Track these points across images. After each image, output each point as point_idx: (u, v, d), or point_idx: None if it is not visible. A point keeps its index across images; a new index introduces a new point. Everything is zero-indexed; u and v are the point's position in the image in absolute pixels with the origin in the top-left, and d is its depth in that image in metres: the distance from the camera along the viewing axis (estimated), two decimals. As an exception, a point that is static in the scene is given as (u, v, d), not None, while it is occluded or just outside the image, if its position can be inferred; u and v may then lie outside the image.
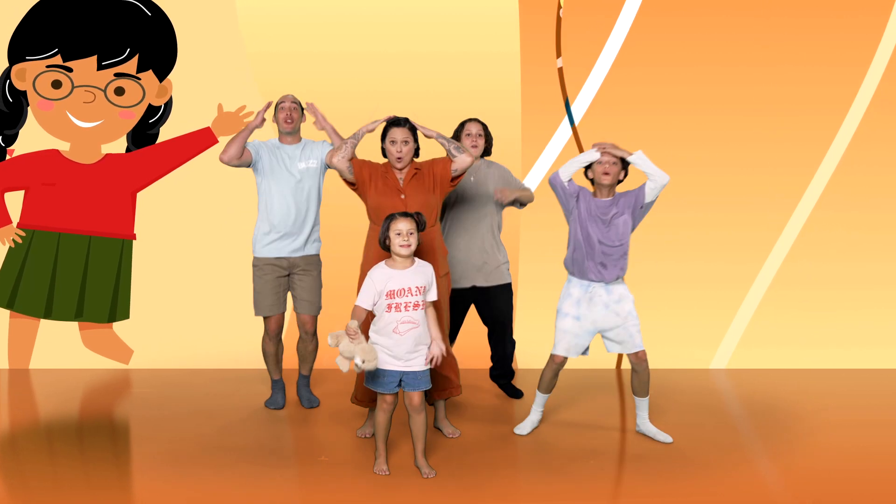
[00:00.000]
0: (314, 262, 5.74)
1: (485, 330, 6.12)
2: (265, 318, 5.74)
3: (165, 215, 6.98)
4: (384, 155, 5.11)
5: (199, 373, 6.79)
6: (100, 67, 6.88)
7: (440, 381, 5.14)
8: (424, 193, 5.02)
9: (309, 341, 5.80)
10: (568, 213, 5.15)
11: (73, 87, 6.89)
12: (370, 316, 4.60)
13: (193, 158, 6.96)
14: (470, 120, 5.79)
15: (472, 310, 6.06)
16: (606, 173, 5.03)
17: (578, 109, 7.02)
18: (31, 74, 6.88)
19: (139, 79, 6.92)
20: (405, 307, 4.49)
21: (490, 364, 6.26)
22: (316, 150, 5.68)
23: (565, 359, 5.21)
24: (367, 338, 4.55)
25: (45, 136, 6.93)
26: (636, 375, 5.18)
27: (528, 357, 6.90)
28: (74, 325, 7.00)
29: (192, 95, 6.94)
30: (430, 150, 5.43)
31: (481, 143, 5.74)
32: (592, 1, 6.97)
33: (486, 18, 6.96)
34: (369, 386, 4.61)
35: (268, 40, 6.91)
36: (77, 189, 6.91)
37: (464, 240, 5.77)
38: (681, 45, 6.97)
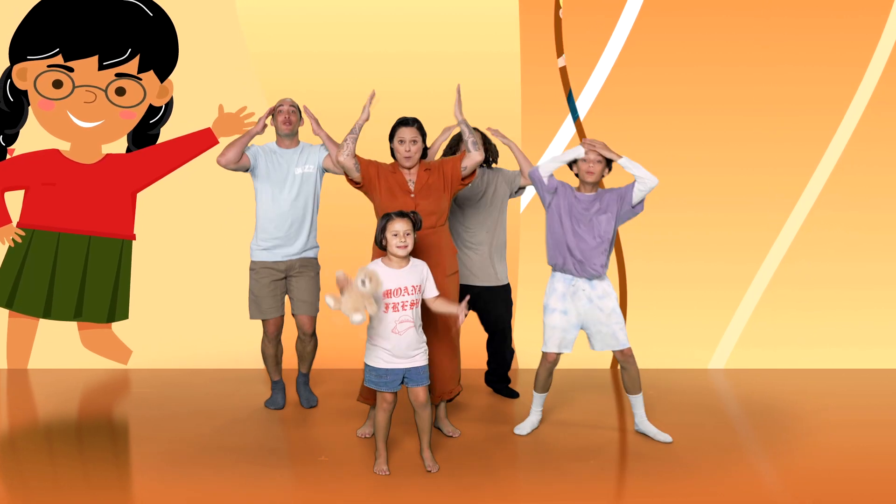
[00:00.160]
0: (311, 264, 5.74)
1: (483, 327, 6.13)
2: (264, 321, 5.73)
3: (165, 216, 6.98)
4: (393, 155, 5.11)
5: (198, 373, 6.80)
6: (101, 67, 6.88)
7: (441, 384, 5.15)
8: (435, 193, 5.03)
9: (308, 342, 5.80)
10: (546, 207, 5.18)
11: (74, 87, 6.89)
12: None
13: (194, 159, 6.97)
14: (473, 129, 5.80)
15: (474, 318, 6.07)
16: (590, 171, 5.06)
17: (579, 109, 7.02)
18: (33, 74, 6.88)
19: (140, 79, 6.92)
20: (402, 306, 4.51)
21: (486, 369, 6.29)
22: (314, 154, 5.67)
23: (558, 356, 5.22)
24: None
25: (46, 136, 6.93)
26: (625, 373, 5.20)
27: (529, 357, 6.92)
28: (73, 325, 7.00)
29: (193, 96, 6.94)
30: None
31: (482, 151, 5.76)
32: (593, 1, 6.98)
33: (486, 18, 6.96)
34: (370, 385, 4.62)
35: (269, 40, 6.92)
36: (77, 189, 6.91)
37: (470, 240, 5.79)
38: (680, 46, 6.97)
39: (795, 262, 7.03)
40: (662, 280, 6.99)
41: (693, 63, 6.97)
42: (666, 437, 5.19)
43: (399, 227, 4.49)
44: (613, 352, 5.18)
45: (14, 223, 6.92)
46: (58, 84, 6.89)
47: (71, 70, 6.88)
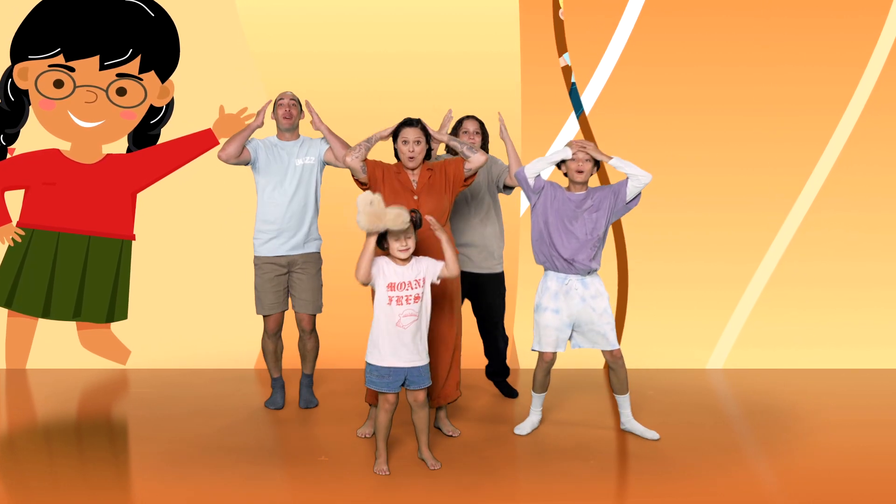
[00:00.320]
0: (313, 260, 5.74)
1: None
2: (264, 317, 5.74)
3: (165, 216, 6.98)
4: (396, 156, 5.12)
5: (198, 373, 6.80)
6: (102, 67, 6.88)
7: (441, 389, 5.16)
8: (437, 194, 5.04)
9: (308, 339, 5.81)
10: (532, 207, 5.19)
11: (75, 87, 6.90)
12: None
13: (194, 160, 6.97)
14: (467, 117, 5.82)
15: (467, 305, 6.05)
16: (580, 171, 5.08)
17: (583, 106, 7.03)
18: (34, 74, 6.89)
19: (141, 79, 6.93)
20: (406, 300, 4.54)
21: (486, 361, 6.29)
22: (314, 147, 5.68)
23: (555, 355, 5.23)
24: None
25: (47, 136, 6.94)
26: (614, 373, 5.22)
27: (529, 357, 6.93)
28: (72, 324, 7.00)
29: (194, 96, 6.95)
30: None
31: (478, 139, 5.78)
32: (594, 1, 6.99)
33: (486, 18, 6.97)
34: (371, 387, 4.63)
35: (270, 40, 6.92)
36: (77, 189, 6.92)
37: (462, 226, 5.79)
38: (680, 46, 6.98)
39: (793, 261, 7.04)
40: (661, 280, 7.00)
41: (692, 63, 6.98)
42: (653, 435, 5.20)
43: (401, 230, 4.52)
44: (602, 352, 5.19)
45: (14, 222, 6.93)
46: (59, 84, 6.89)
47: (72, 70, 6.88)
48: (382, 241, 4.54)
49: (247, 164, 5.61)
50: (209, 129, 6.94)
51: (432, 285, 4.64)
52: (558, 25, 6.99)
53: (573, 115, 7.00)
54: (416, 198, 5.02)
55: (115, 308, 7.01)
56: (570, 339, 5.26)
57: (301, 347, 5.85)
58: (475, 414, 5.75)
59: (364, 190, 5.14)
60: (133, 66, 6.91)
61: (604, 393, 6.32)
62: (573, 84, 6.98)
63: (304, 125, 5.82)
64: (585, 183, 5.15)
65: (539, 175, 5.16)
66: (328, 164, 5.69)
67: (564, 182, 5.25)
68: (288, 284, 5.75)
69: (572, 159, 5.09)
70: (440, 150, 5.95)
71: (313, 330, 5.80)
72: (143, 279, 7.02)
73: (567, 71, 7.00)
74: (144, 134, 6.98)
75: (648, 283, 7.02)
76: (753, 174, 7.00)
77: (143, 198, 7.00)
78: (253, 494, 4.43)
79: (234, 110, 6.89)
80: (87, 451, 5.17)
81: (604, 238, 5.15)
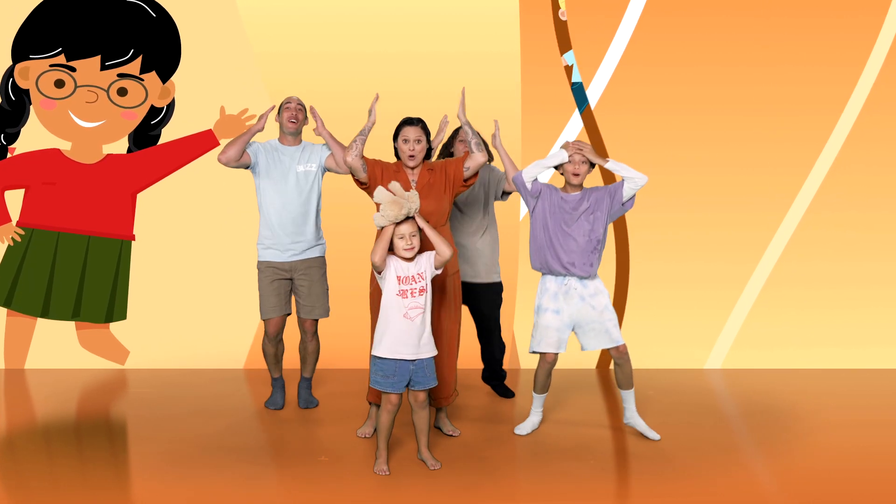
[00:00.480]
0: (316, 266, 5.71)
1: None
2: (265, 321, 5.73)
3: (164, 216, 6.98)
4: (396, 155, 5.12)
5: (198, 373, 6.80)
6: (103, 67, 6.88)
7: (439, 389, 5.17)
8: (437, 194, 5.04)
9: (309, 342, 5.80)
10: (530, 211, 5.20)
11: (76, 87, 6.90)
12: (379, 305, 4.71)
13: (194, 160, 6.98)
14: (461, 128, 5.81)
15: (467, 311, 6.07)
16: (576, 174, 5.10)
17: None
18: (35, 73, 6.89)
19: (142, 80, 6.93)
20: (411, 293, 4.59)
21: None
22: (315, 153, 5.66)
23: (556, 356, 5.23)
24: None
25: (47, 135, 6.94)
26: (619, 369, 5.22)
27: (529, 357, 6.93)
28: (70, 324, 7.00)
29: (195, 97, 6.94)
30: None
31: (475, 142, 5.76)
32: (595, 2, 6.98)
33: (486, 18, 6.97)
34: (376, 386, 4.64)
35: (271, 41, 6.92)
36: (77, 189, 6.92)
37: (459, 237, 5.80)
38: (679, 46, 6.98)
39: (792, 261, 7.04)
40: (659, 280, 7.01)
41: (691, 63, 6.98)
42: (654, 435, 5.21)
43: (405, 229, 4.56)
44: (609, 350, 5.20)
45: (14, 222, 6.93)
46: (60, 83, 6.89)
47: (73, 70, 6.89)
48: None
49: (247, 167, 5.60)
50: (210, 130, 6.94)
51: (434, 281, 4.67)
52: (558, 25, 6.99)
53: (576, 112, 7.00)
54: None
55: (114, 308, 7.01)
56: (575, 339, 5.27)
57: (302, 350, 5.85)
58: (475, 414, 5.76)
59: (364, 189, 5.14)
60: (134, 67, 6.91)
61: (603, 393, 6.33)
62: (579, 82, 6.96)
63: (307, 131, 5.81)
64: (581, 185, 5.16)
65: (536, 179, 5.16)
66: (329, 170, 5.66)
67: (560, 182, 5.26)
68: (291, 289, 5.74)
69: (569, 162, 5.10)
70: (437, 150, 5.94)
71: (315, 333, 5.79)
72: (142, 279, 7.01)
73: (569, 70, 7.00)
74: (145, 134, 6.98)
75: (646, 283, 7.02)
76: (751, 174, 7.00)
77: (143, 198, 7.00)
78: (253, 494, 4.43)
79: (235, 111, 6.89)
80: (86, 452, 5.17)
81: (603, 241, 5.15)
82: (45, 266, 6.95)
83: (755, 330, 7.05)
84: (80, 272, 6.96)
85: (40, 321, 6.98)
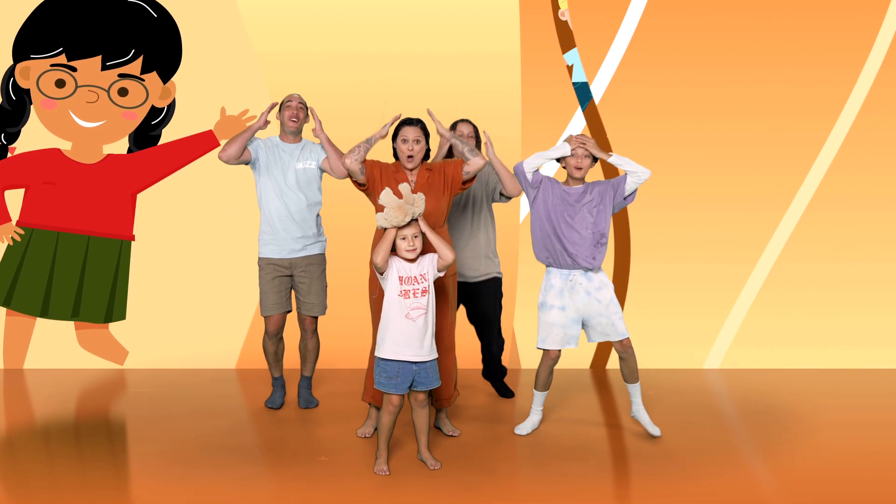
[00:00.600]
0: (316, 262, 5.73)
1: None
2: (266, 318, 5.74)
3: (164, 216, 6.98)
4: (395, 155, 5.12)
5: (198, 373, 6.81)
6: (104, 68, 6.89)
7: (441, 390, 5.17)
8: (436, 195, 5.03)
9: (309, 339, 5.81)
10: (530, 202, 5.20)
11: (77, 87, 6.90)
12: (381, 306, 4.71)
13: (194, 161, 6.98)
14: (461, 121, 5.79)
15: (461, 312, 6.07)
16: (579, 166, 5.11)
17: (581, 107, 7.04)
18: (35, 73, 6.89)
19: (143, 80, 6.93)
20: (413, 294, 4.59)
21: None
22: (315, 152, 5.66)
23: (559, 353, 5.23)
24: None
25: (48, 135, 6.94)
26: (624, 363, 5.23)
27: (529, 357, 6.94)
28: (69, 324, 7.01)
29: (195, 97, 6.94)
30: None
31: (472, 143, 5.75)
32: (596, 2, 6.99)
33: (486, 18, 6.97)
34: (379, 388, 4.64)
35: (271, 41, 6.92)
36: (77, 189, 6.92)
37: (453, 236, 5.79)
38: (678, 47, 6.99)
39: (790, 261, 7.05)
40: (658, 280, 7.01)
41: (690, 63, 6.99)
42: (655, 430, 5.22)
43: (407, 230, 4.58)
44: (612, 343, 5.20)
45: (14, 221, 6.93)
46: (60, 83, 6.89)
47: (74, 70, 6.89)
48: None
49: (247, 163, 5.61)
50: (210, 131, 6.95)
51: (434, 282, 4.68)
52: (559, 25, 6.99)
53: (578, 111, 7.00)
54: None
55: (113, 308, 7.01)
56: (587, 334, 5.27)
57: (302, 348, 5.86)
58: (475, 414, 5.76)
59: (362, 190, 5.13)
60: (135, 67, 6.91)
61: (603, 392, 6.34)
62: (580, 82, 6.97)
63: (306, 131, 5.82)
64: (583, 178, 5.17)
65: (537, 170, 5.17)
66: (324, 171, 5.68)
67: (562, 177, 5.27)
68: (292, 286, 5.74)
69: (571, 155, 5.11)
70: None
71: (315, 331, 5.80)
72: (141, 280, 7.02)
73: (570, 70, 7.00)
74: (145, 134, 6.98)
75: (645, 283, 7.03)
76: (750, 174, 7.01)
77: (142, 198, 7.00)
78: (253, 494, 4.43)
79: (235, 111, 6.89)
80: (86, 451, 5.17)
81: (607, 234, 5.15)
82: (45, 266, 6.95)
83: (754, 330, 7.05)
84: (80, 272, 6.96)
85: (39, 321, 6.98)
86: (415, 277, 4.62)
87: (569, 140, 5.14)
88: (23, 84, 6.90)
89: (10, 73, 6.89)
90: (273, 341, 5.79)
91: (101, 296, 6.98)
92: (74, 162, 6.94)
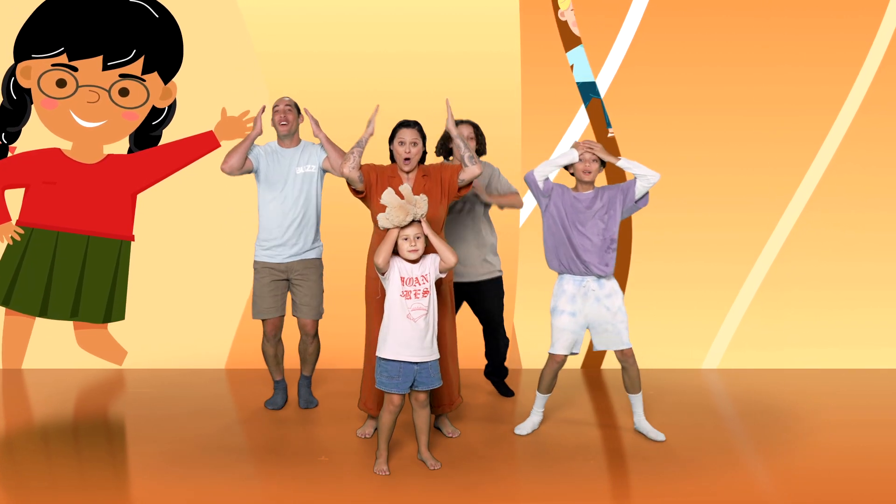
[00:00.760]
0: (313, 266, 5.71)
1: (481, 329, 6.13)
2: (263, 321, 5.73)
3: (164, 217, 6.98)
4: (391, 158, 5.10)
5: (198, 373, 6.81)
6: (105, 68, 6.89)
7: (442, 395, 5.17)
8: (434, 201, 4.99)
9: (309, 343, 5.80)
10: (543, 210, 5.20)
11: (78, 87, 6.90)
12: (381, 309, 4.72)
13: (195, 161, 6.98)
14: (462, 122, 5.76)
15: (467, 309, 6.06)
16: (588, 171, 5.11)
17: (580, 108, 7.04)
18: (37, 72, 6.89)
19: (144, 80, 6.93)
20: (414, 294, 4.60)
21: (486, 361, 6.30)
22: (315, 154, 5.64)
23: (566, 357, 5.24)
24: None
25: (48, 135, 6.94)
26: (625, 373, 5.23)
27: (529, 357, 6.94)
28: (68, 324, 7.00)
29: (196, 98, 6.94)
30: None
31: (473, 145, 5.74)
32: (596, 3, 6.99)
33: (486, 18, 6.97)
34: (381, 387, 4.64)
35: (272, 41, 6.92)
36: (77, 188, 6.92)
37: (451, 237, 5.79)
38: (677, 47, 6.98)
39: (788, 261, 7.05)
40: (656, 280, 7.01)
41: (689, 63, 6.98)
42: (659, 436, 5.22)
43: (410, 231, 4.59)
44: (614, 352, 5.20)
45: (14, 221, 6.93)
46: (61, 83, 6.89)
47: (75, 69, 6.89)
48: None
49: (250, 172, 5.59)
50: (211, 132, 6.94)
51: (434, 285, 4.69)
52: (560, 25, 6.99)
53: (581, 110, 6.99)
54: None
55: (112, 308, 7.01)
56: (592, 340, 5.28)
57: (302, 350, 5.85)
58: (475, 414, 5.76)
59: (359, 198, 5.10)
60: (136, 67, 6.91)
61: (603, 393, 6.33)
62: (583, 82, 6.97)
63: (306, 130, 5.79)
64: (592, 182, 5.17)
65: (548, 178, 5.16)
66: (326, 171, 5.66)
67: (570, 182, 5.27)
68: (288, 290, 5.73)
69: (579, 161, 5.10)
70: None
71: (315, 334, 5.80)
72: (140, 280, 7.01)
73: (571, 69, 7.00)
74: (146, 135, 6.98)
75: (643, 283, 7.03)
76: (748, 174, 7.01)
77: (142, 199, 7.00)
78: (253, 494, 4.44)
79: (236, 112, 6.89)
80: (85, 452, 5.17)
81: (616, 239, 5.15)
82: (45, 265, 6.95)
83: (752, 330, 7.05)
84: (79, 272, 6.96)
85: (38, 321, 6.98)
86: (416, 278, 4.62)
87: (575, 146, 5.13)
88: (24, 83, 6.90)
89: (12, 72, 6.89)
90: (272, 344, 5.79)
91: (101, 296, 6.98)
92: (75, 162, 6.94)
